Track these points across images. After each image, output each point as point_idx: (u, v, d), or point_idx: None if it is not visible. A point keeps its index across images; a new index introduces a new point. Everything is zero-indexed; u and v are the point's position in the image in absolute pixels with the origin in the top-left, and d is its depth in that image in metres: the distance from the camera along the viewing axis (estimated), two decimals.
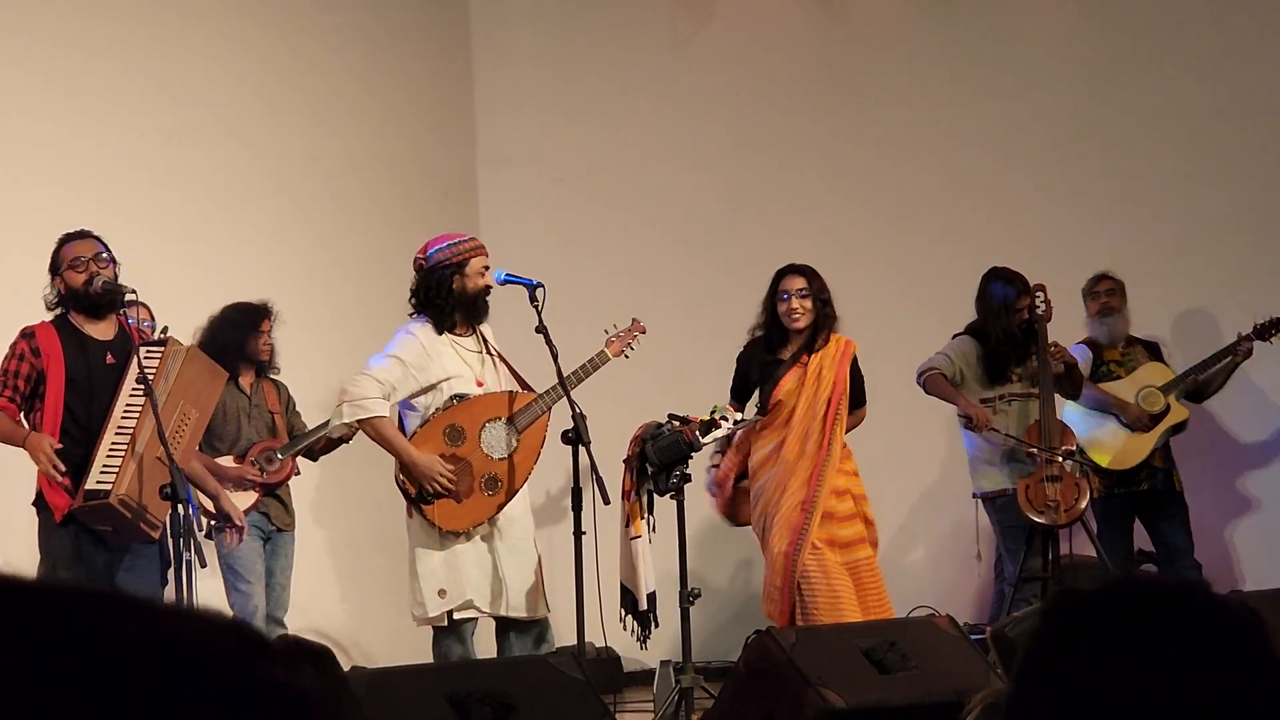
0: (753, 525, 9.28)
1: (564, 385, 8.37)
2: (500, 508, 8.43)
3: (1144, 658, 1.61)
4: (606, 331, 8.98)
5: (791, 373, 9.23)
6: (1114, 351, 10.40)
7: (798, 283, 9.25)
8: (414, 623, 8.51)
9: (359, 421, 8.34)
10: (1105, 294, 10.43)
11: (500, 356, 8.64)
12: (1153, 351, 10.50)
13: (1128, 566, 10.10)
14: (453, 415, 8.40)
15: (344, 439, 9.53)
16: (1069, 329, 10.17)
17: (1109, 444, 10.18)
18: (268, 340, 9.53)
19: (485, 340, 8.61)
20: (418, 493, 8.32)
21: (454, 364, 8.43)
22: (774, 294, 9.29)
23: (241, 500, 9.28)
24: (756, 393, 9.34)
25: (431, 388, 8.40)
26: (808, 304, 9.22)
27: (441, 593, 8.34)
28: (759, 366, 9.27)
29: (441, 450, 8.35)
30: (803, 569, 8.99)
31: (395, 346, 8.41)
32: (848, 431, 9.31)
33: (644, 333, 9.09)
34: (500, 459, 8.44)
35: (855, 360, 9.36)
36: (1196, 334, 10.84)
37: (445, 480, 8.27)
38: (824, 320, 9.26)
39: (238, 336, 9.28)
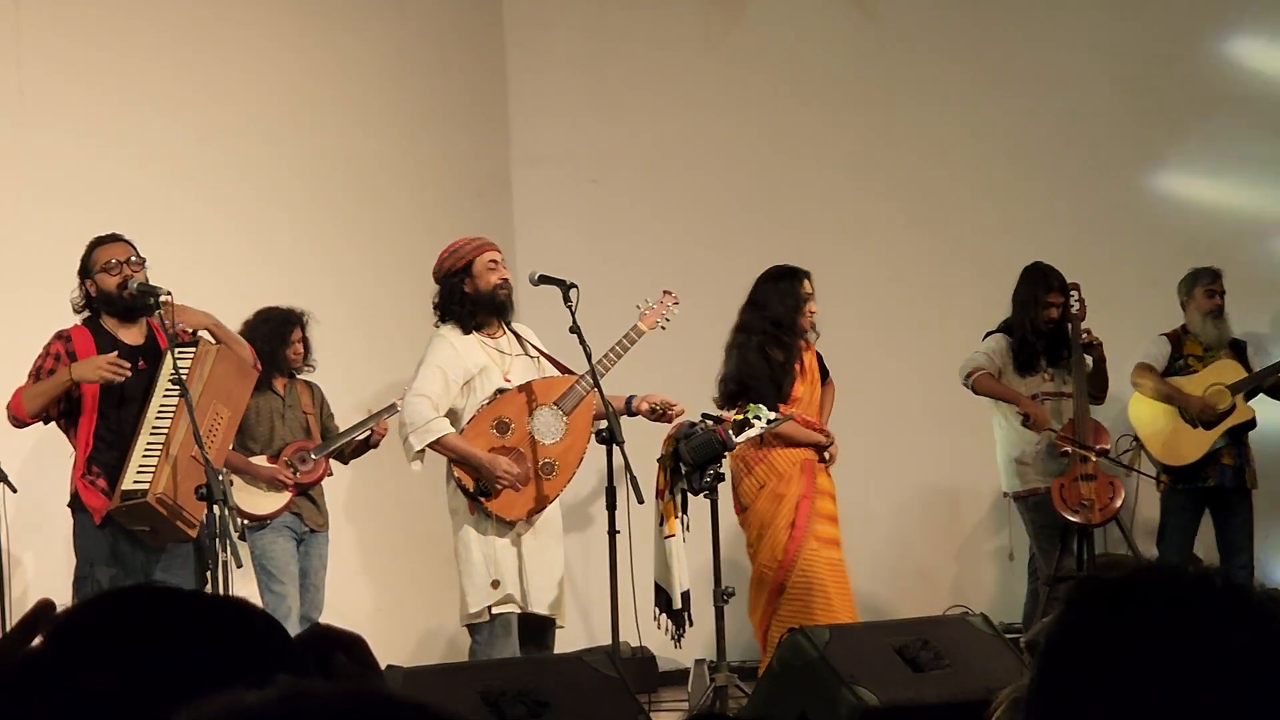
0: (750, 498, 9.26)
1: (598, 383, 8.39)
2: (560, 490, 8.48)
3: (1162, 645, 1.62)
4: (639, 306, 8.98)
5: (794, 369, 9.28)
6: (1195, 346, 10.31)
7: (810, 287, 9.33)
8: (461, 620, 8.52)
9: (430, 445, 8.37)
10: (1220, 294, 10.28)
11: (544, 354, 8.68)
12: (1238, 350, 10.36)
13: (1184, 563, 10.02)
14: (498, 408, 8.44)
15: (371, 443, 9.59)
16: (1103, 331, 10.11)
17: (1168, 439, 10.10)
18: (298, 349, 9.57)
19: (522, 340, 8.64)
20: (476, 486, 8.35)
21: (481, 359, 8.48)
22: (796, 297, 9.29)
23: (274, 501, 9.32)
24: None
25: (466, 384, 8.45)
26: (813, 308, 9.33)
27: (495, 584, 8.35)
28: (773, 365, 9.26)
29: (492, 444, 8.39)
30: (804, 563, 9.05)
31: (430, 355, 8.48)
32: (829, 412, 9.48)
33: (677, 303, 9.07)
34: (553, 444, 8.48)
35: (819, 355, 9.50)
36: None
37: (510, 476, 8.31)
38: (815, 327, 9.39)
39: (267, 346, 9.25)
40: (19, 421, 7.88)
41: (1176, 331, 10.36)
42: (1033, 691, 1.72)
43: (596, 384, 8.41)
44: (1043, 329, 9.90)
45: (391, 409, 9.48)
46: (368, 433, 9.60)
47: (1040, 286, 9.92)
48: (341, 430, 9.63)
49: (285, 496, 9.36)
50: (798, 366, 9.30)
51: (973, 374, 9.88)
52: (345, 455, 9.67)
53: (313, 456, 9.45)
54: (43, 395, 7.79)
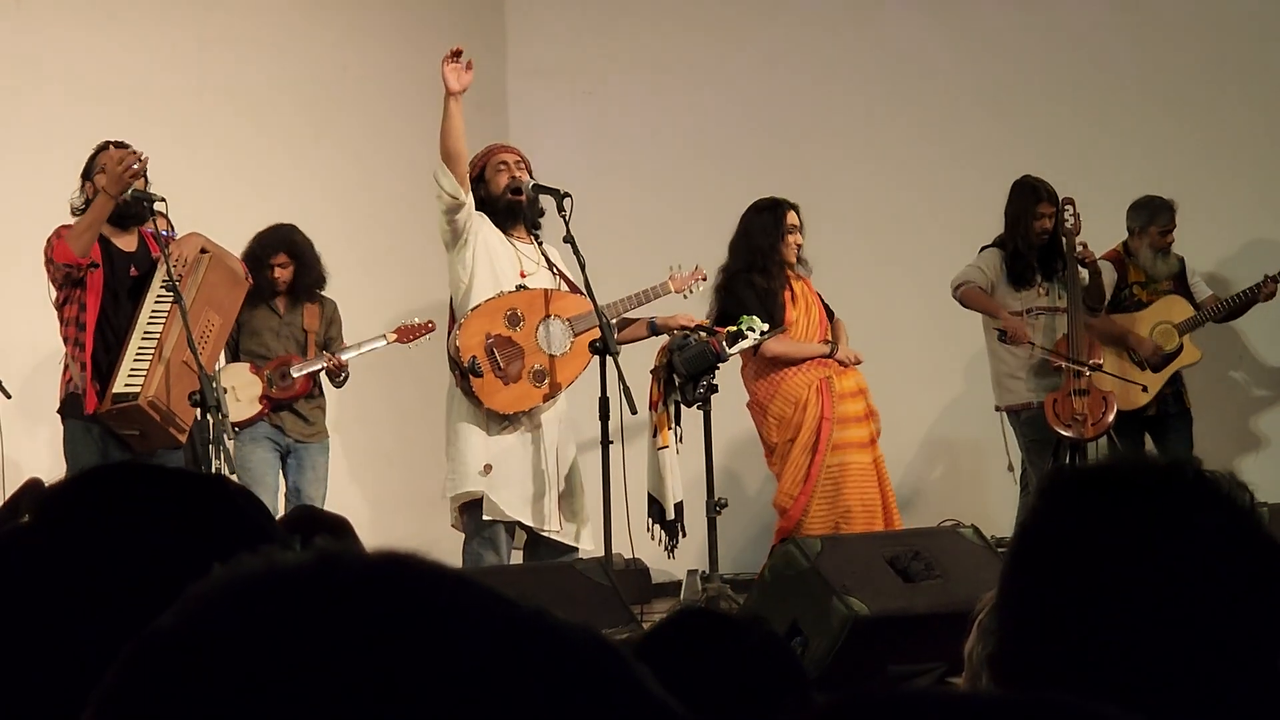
0: (775, 437, 9.29)
1: (591, 293, 8.40)
2: (544, 400, 8.48)
3: (1135, 529, 1.63)
4: (670, 268, 9.11)
5: (785, 298, 9.30)
6: (1139, 273, 10.27)
7: (796, 219, 9.35)
8: (447, 499, 8.51)
9: (445, 143, 8.30)
10: (1171, 231, 10.17)
11: (566, 279, 8.69)
12: (1177, 273, 10.30)
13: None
14: (515, 301, 8.47)
15: (332, 376, 9.36)
16: (1099, 247, 10.10)
17: (1117, 383, 10.01)
18: (276, 274, 9.24)
19: (551, 261, 8.66)
20: (470, 362, 8.35)
21: (501, 247, 8.49)
22: (778, 225, 9.31)
23: (245, 409, 9.04)
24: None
25: (486, 257, 8.41)
26: (798, 238, 9.34)
27: (487, 468, 8.35)
28: (759, 291, 9.27)
29: (500, 330, 8.41)
30: (827, 471, 9.08)
31: None
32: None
33: (704, 280, 9.22)
34: (552, 355, 8.50)
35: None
36: (1232, 256, 10.74)
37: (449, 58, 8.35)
38: (801, 252, 9.40)
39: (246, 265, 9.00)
40: (72, 267, 7.75)
41: (1119, 253, 10.26)
42: (1005, 581, 1.73)
43: (592, 299, 8.41)
44: (1034, 242, 9.87)
45: (377, 340, 9.38)
46: (334, 363, 9.27)
47: (1030, 199, 9.90)
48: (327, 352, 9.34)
49: (257, 407, 9.10)
50: (787, 295, 9.31)
51: (960, 286, 9.88)
52: (334, 381, 9.42)
53: (293, 375, 9.18)
54: (88, 229, 7.70)
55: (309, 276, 9.41)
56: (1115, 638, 1.62)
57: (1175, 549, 1.62)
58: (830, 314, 9.54)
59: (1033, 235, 9.86)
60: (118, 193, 7.69)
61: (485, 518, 8.38)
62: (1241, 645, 1.62)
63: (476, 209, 8.50)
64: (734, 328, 8.69)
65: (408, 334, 9.63)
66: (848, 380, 9.29)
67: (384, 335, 9.51)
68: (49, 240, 7.81)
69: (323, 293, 9.54)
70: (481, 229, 8.45)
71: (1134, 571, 1.61)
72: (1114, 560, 1.62)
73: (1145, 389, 9.97)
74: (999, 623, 1.77)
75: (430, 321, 9.60)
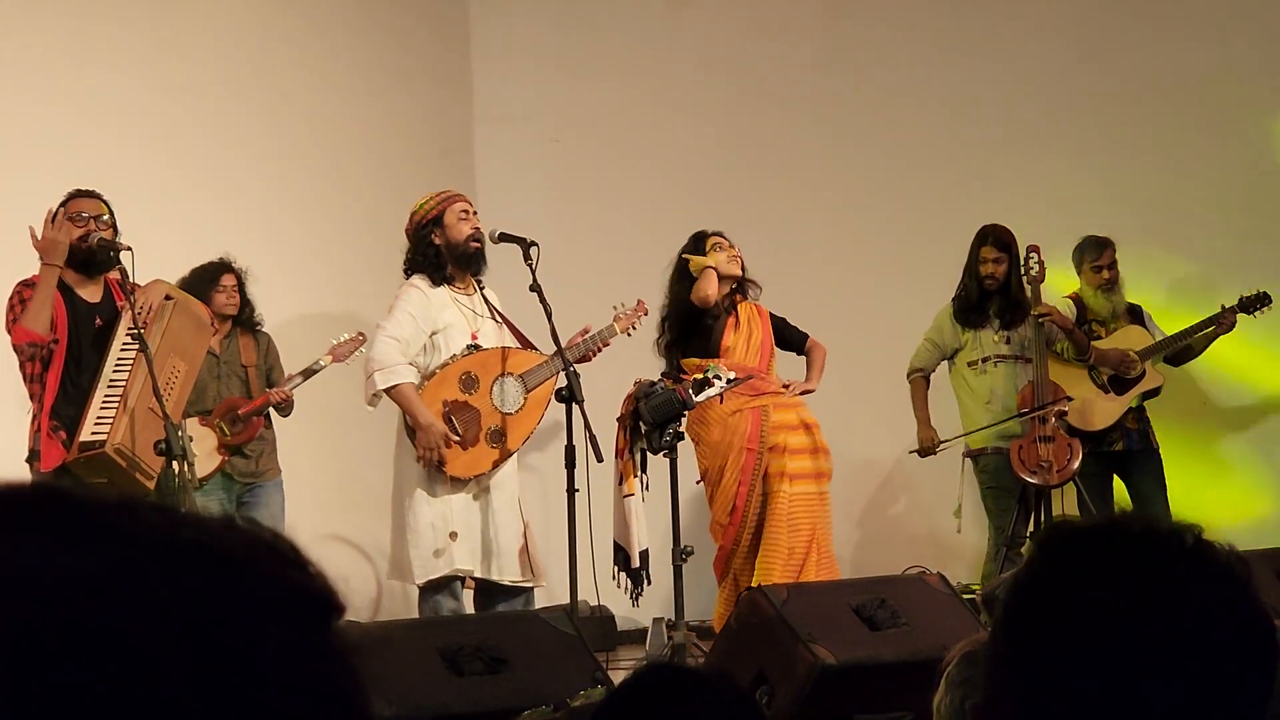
0: (704, 463, 9.35)
1: (558, 341, 8.41)
2: (500, 461, 8.49)
3: (1131, 593, 1.62)
4: (615, 308, 9.11)
5: (728, 323, 9.39)
6: (1095, 311, 10.31)
7: (722, 242, 9.50)
8: (389, 575, 8.55)
9: (387, 389, 8.37)
10: (1108, 267, 10.18)
11: (507, 321, 8.69)
12: (1135, 315, 10.33)
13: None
14: (470, 364, 8.48)
15: (282, 405, 9.26)
16: (1061, 293, 10.15)
17: (1081, 405, 10.04)
18: (230, 295, 9.26)
19: (490, 305, 8.66)
20: None
21: (450, 314, 8.50)
22: (698, 250, 9.44)
23: (206, 464, 8.89)
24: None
25: (430, 337, 8.47)
26: (735, 253, 9.46)
27: (438, 553, 8.37)
28: (687, 319, 9.39)
29: (455, 395, 8.41)
30: (753, 513, 9.15)
31: (402, 301, 8.51)
32: (822, 367, 9.65)
33: (646, 314, 9.24)
34: (508, 414, 8.50)
35: (770, 314, 9.63)
36: (1191, 299, 10.79)
37: (437, 452, 8.30)
38: (743, 274, 9.53)
39: (193, 294, 8.92)
40: (37, 345, 7.72)
41: (1078, 294, 10.30)
42: (994, 641, 1.72)
43: (558, 346, 8.42)
44: (981, 286, 9.92)
45: (314, 365, 9.28)
46: (280, 396, 9.18)
47: (976, 244, 9.98)
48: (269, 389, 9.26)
49: (217, 459, 9.03)
50: (731, 320, 9.37)
51: (911, 376, 10.12)
52: (282, 412, 9.33)
53: (241, 416, 9.09)
54: (42, 305, 7.67)
55: (249, 306, 9.37)
56: (1106, 700, 1.61)
57: (1170, 616, 1.61)
58: (802, 339, 9.66)
59: (979, 278, 9.91)
60: (59, 259, 7.67)
61: (446, 572, 8.40)
62: (1229, 718, 1.62)
63: (430, 255, 8.51)
64: (699, 375, 8.69)
65: (342, 352, 9.47)
66: (787, 413, 9.32)
67: (319, 360, 9.35)
68: (10, 305, 7.78)
69: (260, 327, 9.46)
70: (427, 312, 8.45)
71: (1128, 635, 1.61)
72: (1108, 623, 1.61)
73: (1112, 400, 10.03)
74: (989, 673, 1.75)
75: (360, 334, 9.46)
